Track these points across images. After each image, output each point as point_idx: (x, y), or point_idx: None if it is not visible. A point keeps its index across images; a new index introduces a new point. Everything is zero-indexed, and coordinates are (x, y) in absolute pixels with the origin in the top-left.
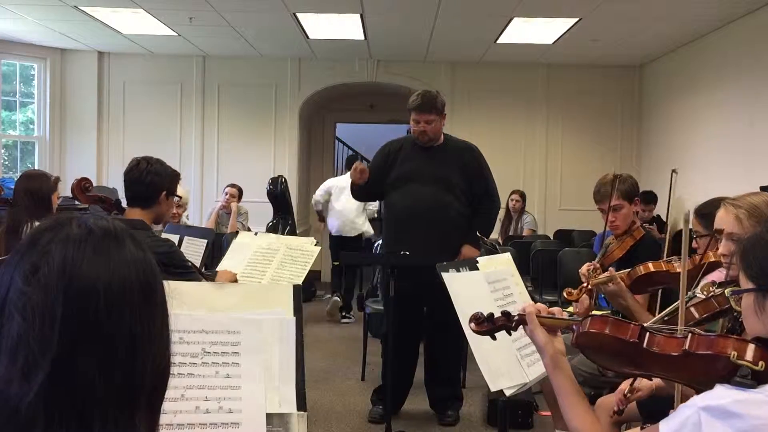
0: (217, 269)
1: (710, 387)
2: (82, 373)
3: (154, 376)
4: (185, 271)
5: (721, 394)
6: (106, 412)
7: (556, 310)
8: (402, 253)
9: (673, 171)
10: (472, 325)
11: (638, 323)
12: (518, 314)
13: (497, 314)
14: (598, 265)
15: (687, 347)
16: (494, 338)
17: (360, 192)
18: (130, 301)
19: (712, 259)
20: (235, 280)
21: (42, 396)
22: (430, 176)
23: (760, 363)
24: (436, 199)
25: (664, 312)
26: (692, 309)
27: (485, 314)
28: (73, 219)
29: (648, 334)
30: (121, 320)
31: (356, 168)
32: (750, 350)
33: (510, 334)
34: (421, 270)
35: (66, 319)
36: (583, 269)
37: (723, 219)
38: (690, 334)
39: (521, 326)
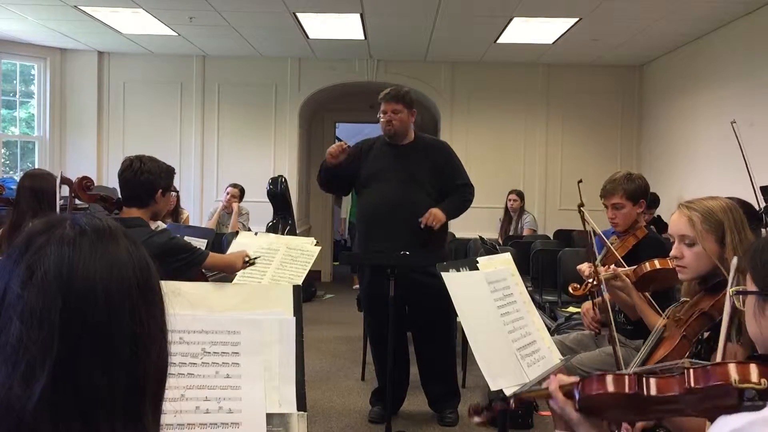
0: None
1: (720, 416)
2: (85, 376)
3: (157, 374)
4: (189, 254)
5: (727, 422)
6: (113, 413)
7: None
8: (402, 252)
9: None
10: (475, 419)
11: (632, 372)
12: (512, 395)
13: (495, 402)
14: (602, 269)
15: (687, 384)
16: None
17: (326, 181)
18: (130, 299)
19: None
20: (248, 255)
21: (45, 401)
22: (398, 174)
23: (763, 380)
24: (405, 197)
25: (647, 341)
26: (669, 354)
27: (481, 405)
28: (66, 219)
29: (645, 379)
30: (122, 320)
31: (335, 147)
32: (752, 370)
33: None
34: (395, 269)
35: (65, 322)
36: (584, 267)
37: (676, 221)
38: (687, 370)
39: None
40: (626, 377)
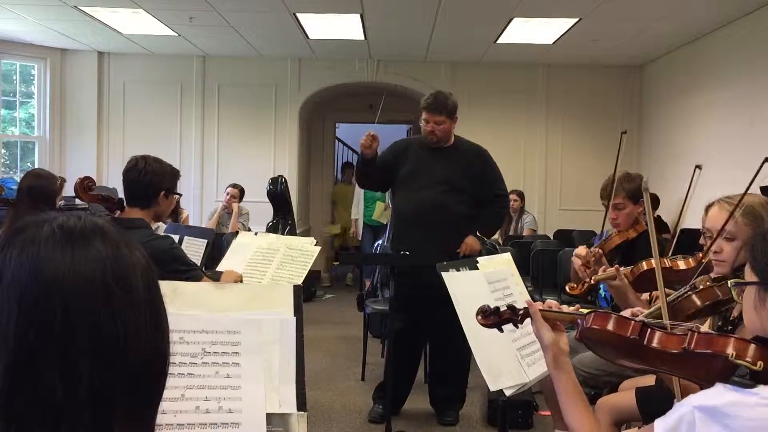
0: (219, 269)
1: (710, 384)
2: (42, 378)
3: (132, 380)
4: (188, 268)
5: (716, 395)
6: (73, 416)
7: (554, 304)
8: (402, 253)
9: (697, 167)
10: (479, 317)
11: (640, 320)
12: (524, 308)
13: (503, 308)
14: (599, 251)
15: (686, 345)
16: (501, 330)
17: (364, 176)
18: (91, 302)
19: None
20: (241, 280)
21: (1, 400)
22: (435, 177)
23: (759, 363)
24: (440, 200)
25: (671, 297)
26: (694, 297)
27: (491, 307)
28: (45, 220)
29: (649, 330)
30: (80, 323)
31: (369, 133)
32: (751, 350)
33: (517, 327)
34: (424, 270)
35: (20, 325)
36: (580, 250)
37: (716, 217)
38: (690, 332)
39: (528, 321)
40: (632, 322)
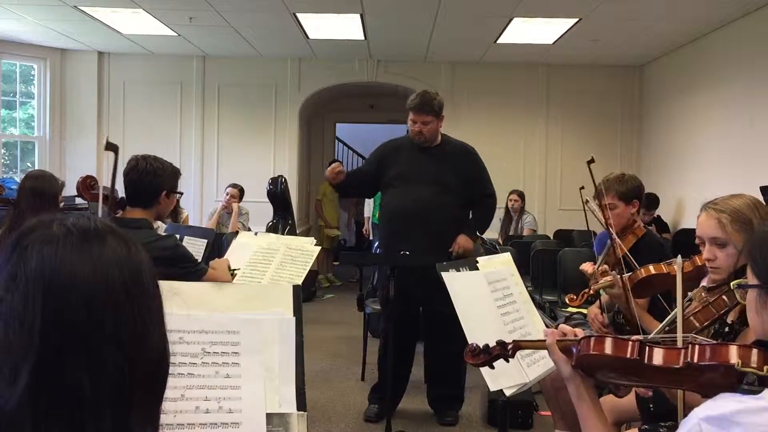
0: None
1: (716, 394)
2: (68, 374)
3: (147, 374)
4: (191, 266)
5: (721, 404)
6: (98, 411)
7: (569, 330)
8: (402, 252)
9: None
10: (468, 358)
11: (636, 339)
12: (513, 341)
13: (492, 344)
14: (606, 267)
15: (689, 359)
16: (492, 367)
17: (343, 189)
18: (113, 299)
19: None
20: (229, 267)
21: (27, 402)
22: (425, 177)
23: (765, 368)
24: (431, 200)
25: (664, 322)
26: (692, 318)
27: (480, 346)
28: (54, 220)
29: (648, 348)
30: (105, 321)
31: (333, 169)
32: (754, 356)
33: (508, 362)
34: (415, 269)
35: (46, 323)
36: (587, 267)
37: (705, 224)
38: (690, 345)
39: (518, 350)
40: (629, 343)
